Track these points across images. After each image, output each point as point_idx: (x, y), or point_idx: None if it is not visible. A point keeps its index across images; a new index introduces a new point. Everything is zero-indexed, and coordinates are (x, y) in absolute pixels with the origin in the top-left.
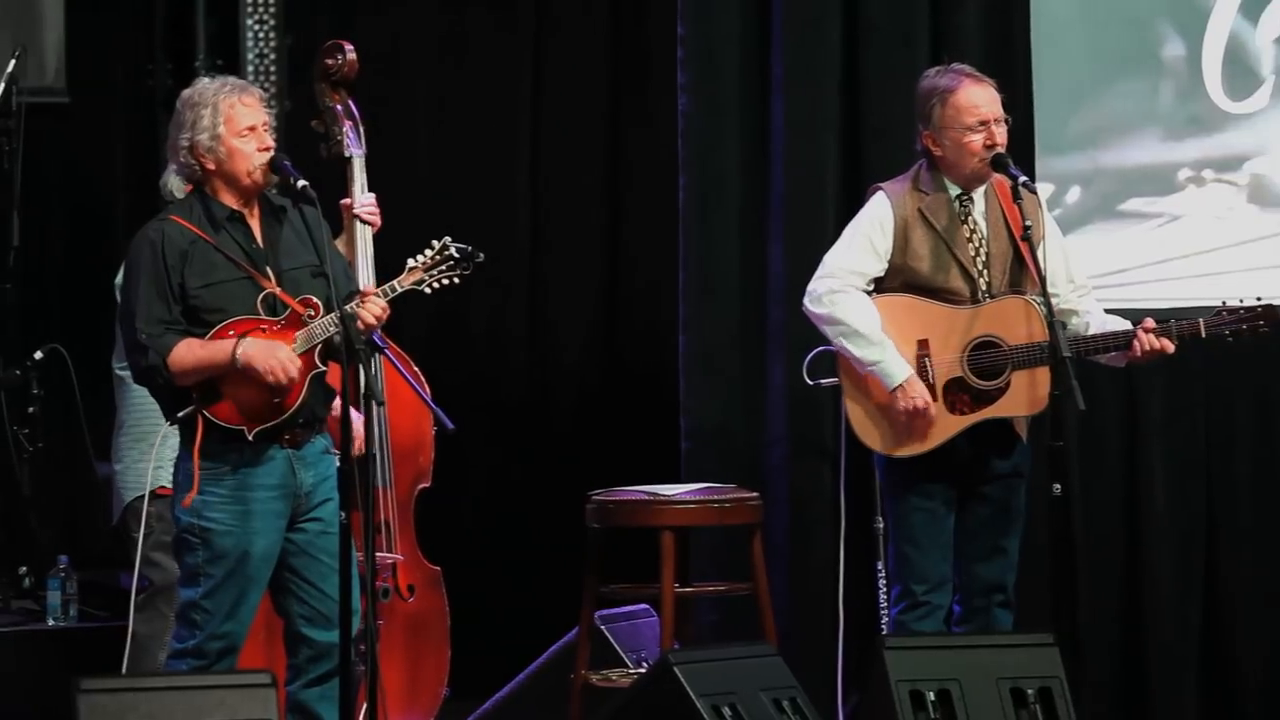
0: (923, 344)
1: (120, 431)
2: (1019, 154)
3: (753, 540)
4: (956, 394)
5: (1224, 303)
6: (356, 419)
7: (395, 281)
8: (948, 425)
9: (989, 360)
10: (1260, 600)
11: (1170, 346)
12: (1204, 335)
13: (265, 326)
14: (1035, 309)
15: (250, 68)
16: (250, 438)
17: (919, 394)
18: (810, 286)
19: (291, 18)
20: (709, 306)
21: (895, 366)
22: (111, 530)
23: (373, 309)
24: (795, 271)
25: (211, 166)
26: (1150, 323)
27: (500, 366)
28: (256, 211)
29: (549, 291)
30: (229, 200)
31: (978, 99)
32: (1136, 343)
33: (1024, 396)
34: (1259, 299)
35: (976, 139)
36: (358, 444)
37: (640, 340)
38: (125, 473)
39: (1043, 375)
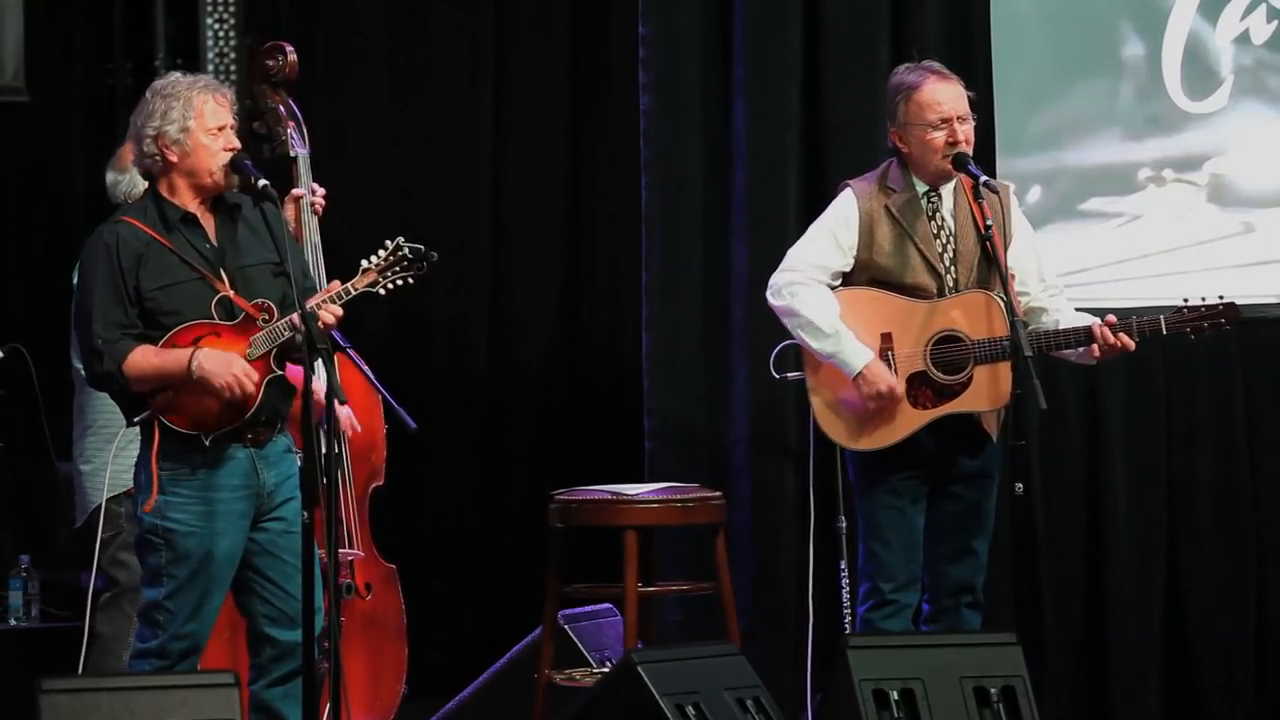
0: (886, 337)
1: (88, 433)
2: (980, 154)
3: (716, 539)
4: (919, 388)
5: (1185, 300)
6: (318, 384)
7: (349, 284)
8: (910, 419)
9: (951, 354)
10: (1221, 599)
11: (1131, 343)
12: (1165, 332)
13: (220, 331)
14: (998, 304)
15: (210, 67)
16: (207, 443)
17: (880, 378)
18: (772, 279)
19: (251, 17)
20: (672, 306)
21: (853, 355)
22: (76, 532)
23: (325, 317)
24: (758, 270)
25: (174, 159)
26: (1112, 319)
27: (463, 366)
28: (211, 211)
29: (512, 291)
30: (184, 200)
31: (941, 96)
32: (1097, 334)
33: (986, 392)
34: (1221, 297)
35: (938, 136)
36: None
37: (603, 340)
38: (93, 474)
39: (1005, 371)
